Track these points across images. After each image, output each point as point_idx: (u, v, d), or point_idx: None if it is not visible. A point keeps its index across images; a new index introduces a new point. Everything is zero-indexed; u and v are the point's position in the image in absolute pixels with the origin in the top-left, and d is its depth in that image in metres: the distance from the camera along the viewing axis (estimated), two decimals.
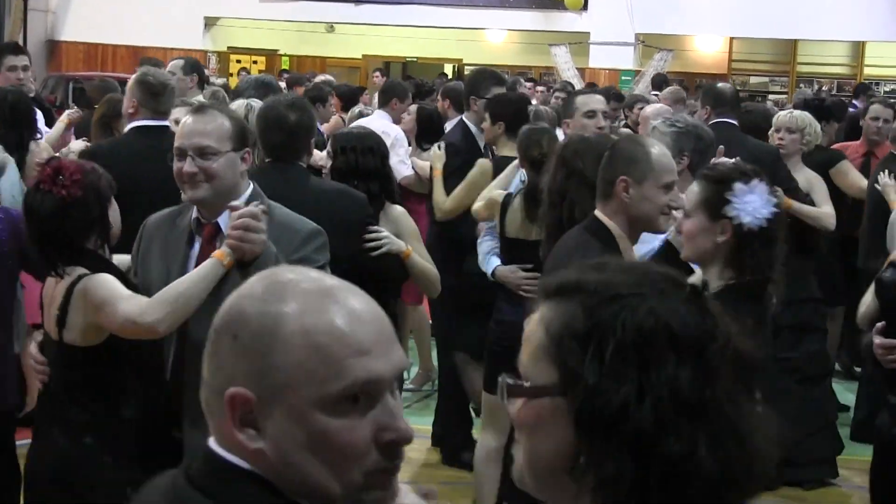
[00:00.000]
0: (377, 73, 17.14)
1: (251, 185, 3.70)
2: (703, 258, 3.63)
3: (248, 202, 3.54)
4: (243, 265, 3.37)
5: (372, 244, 4.71)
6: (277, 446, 1.47)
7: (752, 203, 3.53)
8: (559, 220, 4.27)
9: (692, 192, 3.66)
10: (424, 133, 8.19)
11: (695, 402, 1.40)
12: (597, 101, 6.10)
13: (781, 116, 7.17)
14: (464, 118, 6.86)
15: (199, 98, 6.74)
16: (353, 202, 4.61)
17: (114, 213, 3.74)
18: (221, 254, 3.42)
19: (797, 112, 7.36)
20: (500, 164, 6.05)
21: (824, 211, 6.59)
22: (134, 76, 5.65)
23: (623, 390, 1.39)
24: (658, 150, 3.91)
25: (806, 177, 6.76)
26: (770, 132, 7.01)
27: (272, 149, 4.50)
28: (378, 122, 8.69)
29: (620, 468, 1.39)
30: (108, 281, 3.55)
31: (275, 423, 1.47)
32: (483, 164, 6.31)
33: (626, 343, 1.41)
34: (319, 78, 11.97)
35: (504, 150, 6.17)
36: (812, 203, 6.56)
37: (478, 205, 5.72)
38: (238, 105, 5.96)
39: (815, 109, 7.80)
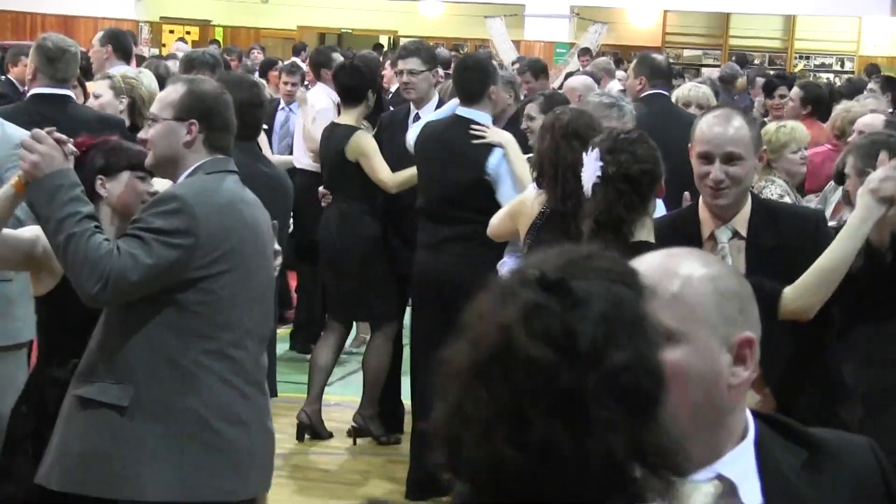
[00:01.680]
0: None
1: (203, 161, 3.54)
2: None
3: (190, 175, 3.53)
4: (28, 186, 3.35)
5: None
6: None
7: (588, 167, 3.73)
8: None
9: None
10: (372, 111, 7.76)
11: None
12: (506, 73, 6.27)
13: (688, 92, 7.34)
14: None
15: (126, 70, 6.60)
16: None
17: None
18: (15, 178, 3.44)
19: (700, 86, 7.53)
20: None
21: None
22: (35, 41, 5.52)
23: None
24: None
25: None
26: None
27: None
28: (316, 92, 8.76)
29: None
30: None
31: None
32: None
33: None
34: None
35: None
36: None
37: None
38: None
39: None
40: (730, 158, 3.66)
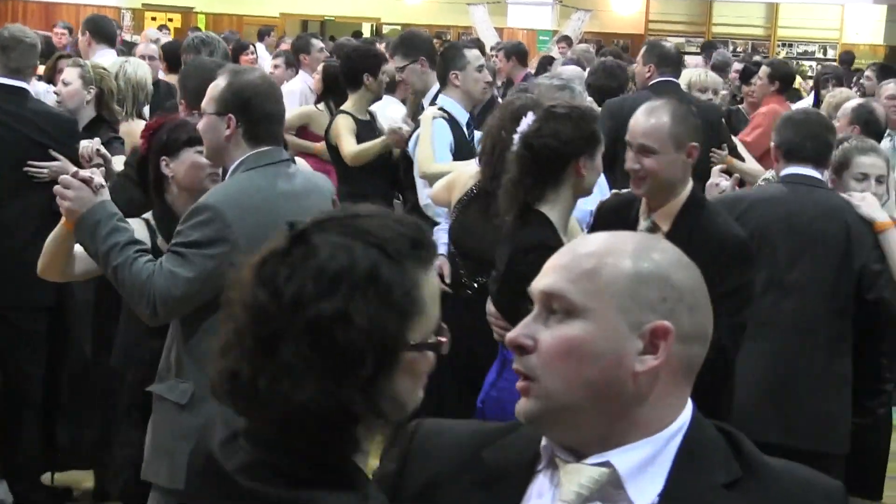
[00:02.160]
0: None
1: (246, 155, 3.53)
2: None
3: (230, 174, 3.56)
4: (75, 225, 3.46)
5: None
6: None
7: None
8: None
9: None
10: (330, 92, 7.75)
11: None
12: (475, 56, 6.18)
13: (693, 76, 7.41)
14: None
15: (103, 59, 6.56)
16: None
17: None
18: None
19: (709, 72, 7.57)
20: None
21: (760, 167, 6.73)
22: None
23: None
24: None
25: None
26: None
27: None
28: (296, 78, 8.82)
29: None
30: None
31: None
32: None
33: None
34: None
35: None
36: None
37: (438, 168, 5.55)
38: (113, 64, 5.87)
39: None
40: (643, 150, 3.75)
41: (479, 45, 9.43)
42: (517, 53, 10.12)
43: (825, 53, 22.91)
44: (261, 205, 3.44)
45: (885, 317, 4.32)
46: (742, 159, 6.62)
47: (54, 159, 5.06)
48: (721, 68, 11.59)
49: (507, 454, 1.64)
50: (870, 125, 5.94)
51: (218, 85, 3.56)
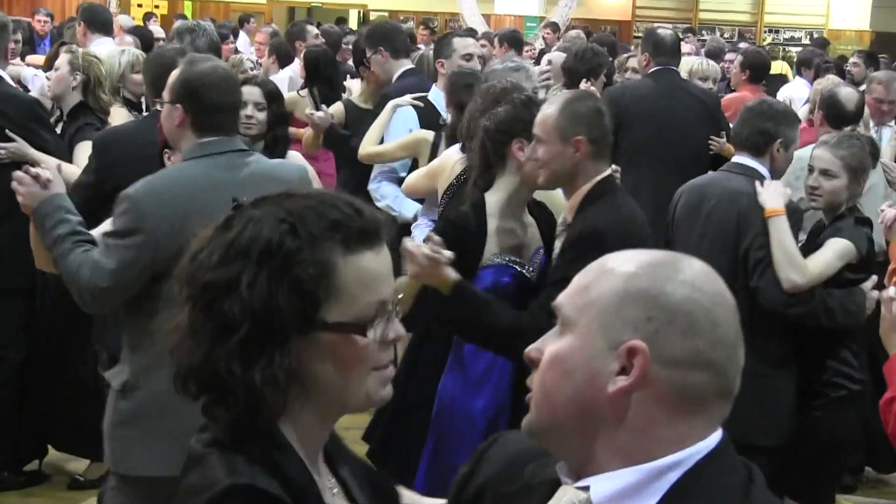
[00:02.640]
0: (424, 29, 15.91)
1: (192, 145, 3.58)
2: None
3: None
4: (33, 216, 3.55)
5: None
6: None
7: None
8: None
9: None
10: (312, 78, 7.73)
11: None
12: (472, 45, 6.29)
13: (694, 64, 7.51)
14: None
15: (106, 44, 6.56)
16: None
17: None
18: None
19: (707, 60, 7.64)
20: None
21: None
22: None
23: None
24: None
25: None
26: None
27: None
28: (292, 66, 8.88)
29: None
30: None
31: None
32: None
33: None
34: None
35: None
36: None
37: (373, 149, 5.75)
38: (110, 54, 5.87)
39: None
40: (535, 139, 3.75)
41: (472, 33, 9.46)
42: (511, 40, 10.12)
43: (811, 39, 22.95)
44: (181, 194, 3.44)
45: (760, 306, 4.30)
46: None
47: (11, 140, 5.11)
48: (715, 55, 11.67)
49: (544, 471, 1.60)
50: (831, 111, 6.02)
51: (173, 74, 3.63)
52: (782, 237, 4.32)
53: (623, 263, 1.52)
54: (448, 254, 3.51)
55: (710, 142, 6.33)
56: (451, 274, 3.53)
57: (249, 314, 1.58)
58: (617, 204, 3.71)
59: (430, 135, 5.53)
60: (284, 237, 1.60)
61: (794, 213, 4.49)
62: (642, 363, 1.45)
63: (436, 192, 4.90)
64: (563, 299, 1.54)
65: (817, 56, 10.86)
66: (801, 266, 4.28)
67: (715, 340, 1.47)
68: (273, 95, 5.14)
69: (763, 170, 4.57)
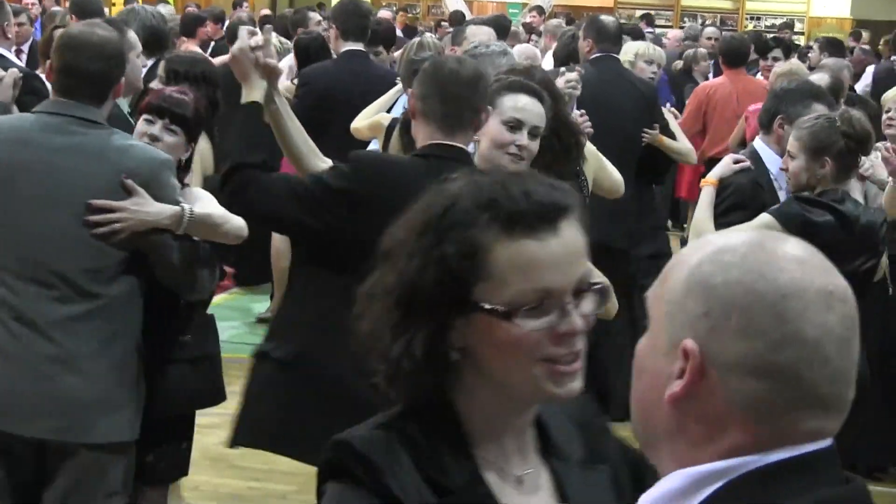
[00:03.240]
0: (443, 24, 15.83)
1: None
2: None
3: None
4: None
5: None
6: None
7: None
8: None
9: (542, 115, 3.80)
10: (303, 65, 7.61)
11: None
12: (485, 34, 6.27)
13: (641, 47, 7.53)
14: None
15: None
16: None
17: None
18: None
19: (652, 44, 7.80)
20: None
21: (689, 146, 6.83)
22: None
23: None
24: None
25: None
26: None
27: None
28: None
29: None
30: None
31: None
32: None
33: None
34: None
35: None
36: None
37: (361, 124, 5.78)
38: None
39: None
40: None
41: (460, 17, 9.52)
42: (497, 27, 10.13)
43: (793, 27, 23.03)
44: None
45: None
46: (674, 137, 6.70)
47: None
48: (694, 38, 11.82)
49: None
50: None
51: None
52: (700, 207, 4.50)
53: (698, 248, 1.33)
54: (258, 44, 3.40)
55: (642, 133, 6.38)
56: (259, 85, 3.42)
57: (402, 285, 1.60)
58: None
59: (386, 118, 5.56)
60: (439, 214, 1.60)
61: (727, 187, 4.63)
62: (693, 366, 1.27)
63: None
64: (649, 290, 1.38)
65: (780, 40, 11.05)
66: (702, 235, 4.30)
67: (779, 341, 1.24)
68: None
69: (765, 148, 4.70)
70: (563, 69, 6.01)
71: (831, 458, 1.28)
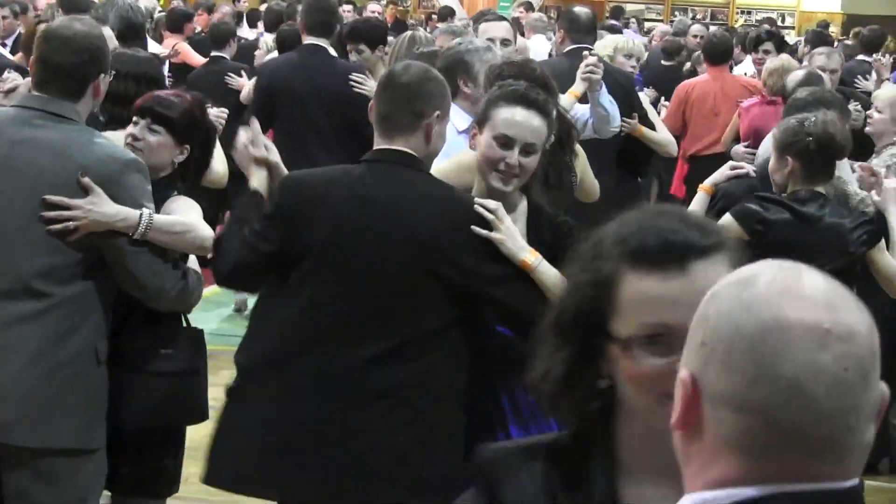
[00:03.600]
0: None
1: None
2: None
3: None
4: None
5: None
6: None
7: None
8: None
9: (539, 130, 3.58)
10: None
11: None
12: (503, 29, 6.11)
13: (620, 41, 7.58)
14: None
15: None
16: None
17: None
18: None
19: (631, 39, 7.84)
20: None
21: (667, 138, 6.79)
22: None
23: None
24: None
25: (645, 103, 6.95)
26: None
27: None
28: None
29: None
30: None
31: None
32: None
33: None
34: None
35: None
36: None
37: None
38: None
39: None
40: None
41: (448, 13, 9.50)
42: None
43: (783, 21, 23.05)
44: None
45: None
46: (653, 128, 6.68)
47: None
48: (683, 34, 11.85)
49: None
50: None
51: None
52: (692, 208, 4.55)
53: (729, 275, 1.32)
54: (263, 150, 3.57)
55: (622, 123, 6.35)
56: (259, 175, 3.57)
57: (554, 307, 1.73)
58: None
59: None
60: (589, 246, 1.70)
61: (717, 194, 4.71)
62: (685, 396, 1.27)
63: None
64: None
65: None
66: None
67: (753, 378, 1.21)
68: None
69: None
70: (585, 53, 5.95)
71: (836, 498, 1.23)
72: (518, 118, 3.53)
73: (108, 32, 4.65)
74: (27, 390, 3.46)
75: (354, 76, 6.52)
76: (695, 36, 12.03)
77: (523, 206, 3.60)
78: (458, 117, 4.62)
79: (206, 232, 3.66)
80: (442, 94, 3.49)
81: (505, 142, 3.50)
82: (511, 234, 3.35)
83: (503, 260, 3.34)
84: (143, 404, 3.75)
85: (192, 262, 3.82)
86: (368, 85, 6.31)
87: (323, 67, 6.69)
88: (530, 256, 3.35)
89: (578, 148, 4.66)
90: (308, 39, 6.86)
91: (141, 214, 3.50)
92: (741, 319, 1.23)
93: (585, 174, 4.83)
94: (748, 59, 10.43)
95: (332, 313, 3.36)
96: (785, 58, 7.89)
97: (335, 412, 3.30)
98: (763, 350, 1.21)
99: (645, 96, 7.15)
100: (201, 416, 3.92)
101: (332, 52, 6.86)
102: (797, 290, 1.23)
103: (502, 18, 6.59)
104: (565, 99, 5.23)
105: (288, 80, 6.68)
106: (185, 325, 3.88)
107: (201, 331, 3.98)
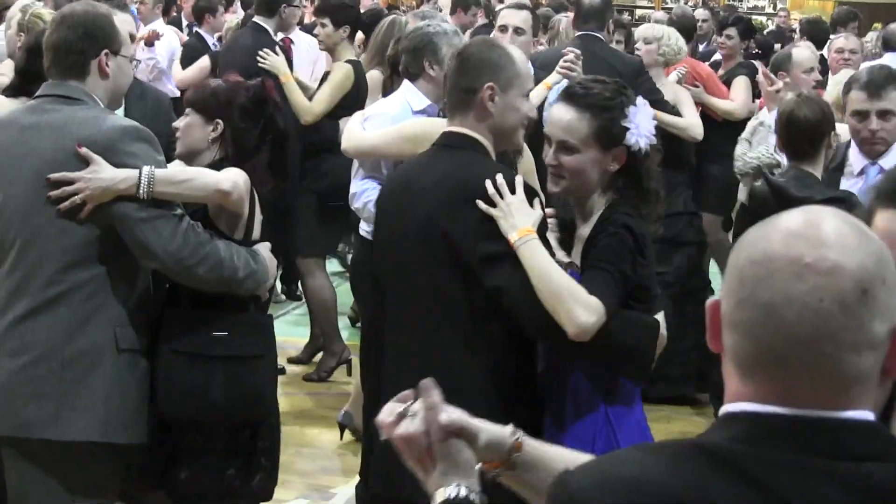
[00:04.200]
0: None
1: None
2: (587, 191, 3.30)
3: None
4: None
5: None
6: None
7: (643, 124, 3.29)
8: None
9: (572, 126, 3.26)
10: None
11: None
12: (521, 19, 6.03)
13: (641, 27, 7.44)
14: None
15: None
16: None
17: None
18: None
19: (656, 24, 7.61)
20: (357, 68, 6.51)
21: (691, 121, 6.64)
22: None
23: None
24: (519, 54, 3.51)
25: (672, 89, 6.82)
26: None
27: None
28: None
29: None
30: None
31: None
32: (346, 67, 6.55)
33: None
34: None
35: (345, 54, 6.69)
36: (678, 114, 6.59)
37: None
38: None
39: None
40: None
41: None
42: (461, 4, 10.00)
43: (774, 7, 22.99)
44: None
45: None
46: (677, 113, 6.60)
47: None
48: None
49: None
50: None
51: None
52: None
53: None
54: None
55: None
56: None
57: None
58: None
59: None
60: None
61: None
62: (710, 318, 1.46)
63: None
64: None
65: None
66: None
67: (739, 301, 1.41)
68: None
69: None
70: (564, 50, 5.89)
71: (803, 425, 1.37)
72: (555, 114, 3.34)
73: (123, 17, 4.58)
74: (40, 385, 3.40)
75: (263, 52, 6.76)
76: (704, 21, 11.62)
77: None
78: (416, 98, 4.67)
79: (212, 176, 3.56)
80: (493, 66, 3.35)
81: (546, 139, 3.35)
82: (509, 211, 3.15)
83: (498, 238, 3.16)
84: (185, 391, 3.51)
85: (264, 246, 3.68)
86: (271, 59, 6.68)
87: (251, 45, 7.00)
88: (515, 235, 3.13)
89: (526, 149, 4.21)
90: (256, 19, 7.46)
91: (140, 171, 3.41)
92: (742, 252, 1.43)
93: (529, 176, 4.07)
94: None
95: (389, 300, 3.45)
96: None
97: None
98: (749, 278, 1.40)
99: (675, 76, 7.04)
100: (260, 411, 3.61)
101: (271, 31, 7.31)
102: (801, 230, 1.39)
103: (523, 7, 6.41)
104: (537, 89, 5.02)
105: (224, 57, 7.55)
106: (250, 311, 3.64)
107: (269, 316, 3.75)
